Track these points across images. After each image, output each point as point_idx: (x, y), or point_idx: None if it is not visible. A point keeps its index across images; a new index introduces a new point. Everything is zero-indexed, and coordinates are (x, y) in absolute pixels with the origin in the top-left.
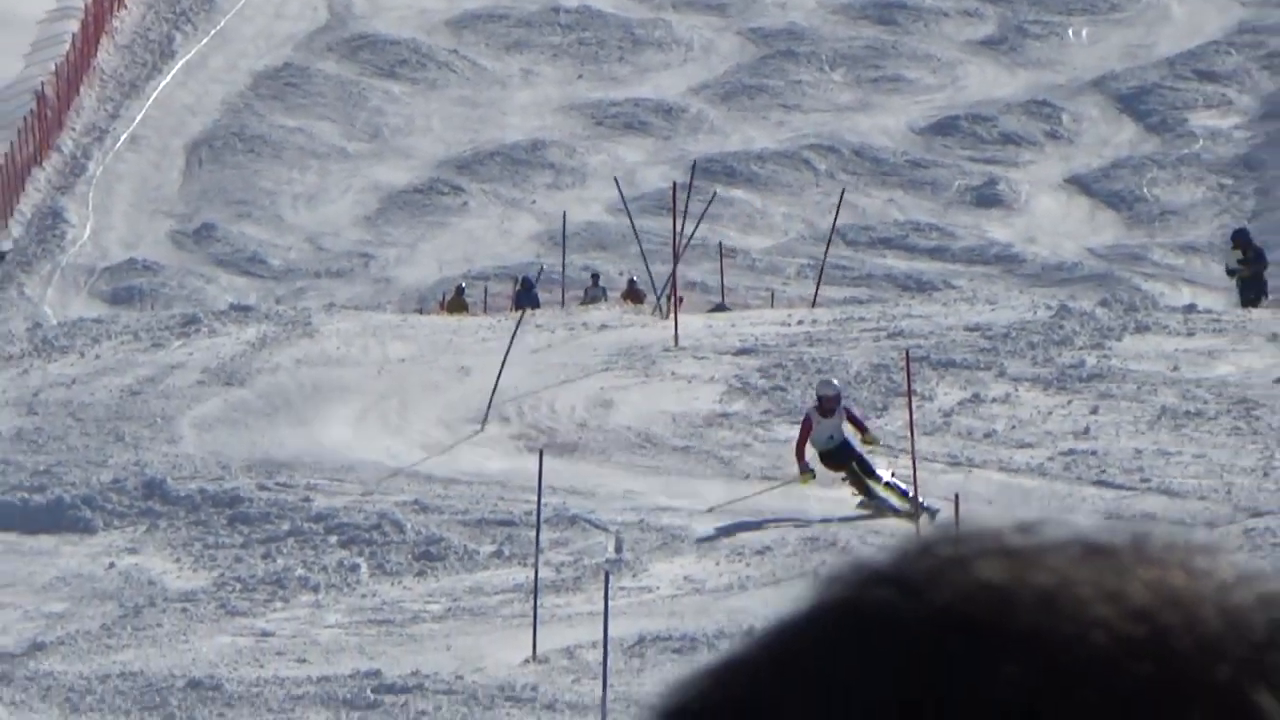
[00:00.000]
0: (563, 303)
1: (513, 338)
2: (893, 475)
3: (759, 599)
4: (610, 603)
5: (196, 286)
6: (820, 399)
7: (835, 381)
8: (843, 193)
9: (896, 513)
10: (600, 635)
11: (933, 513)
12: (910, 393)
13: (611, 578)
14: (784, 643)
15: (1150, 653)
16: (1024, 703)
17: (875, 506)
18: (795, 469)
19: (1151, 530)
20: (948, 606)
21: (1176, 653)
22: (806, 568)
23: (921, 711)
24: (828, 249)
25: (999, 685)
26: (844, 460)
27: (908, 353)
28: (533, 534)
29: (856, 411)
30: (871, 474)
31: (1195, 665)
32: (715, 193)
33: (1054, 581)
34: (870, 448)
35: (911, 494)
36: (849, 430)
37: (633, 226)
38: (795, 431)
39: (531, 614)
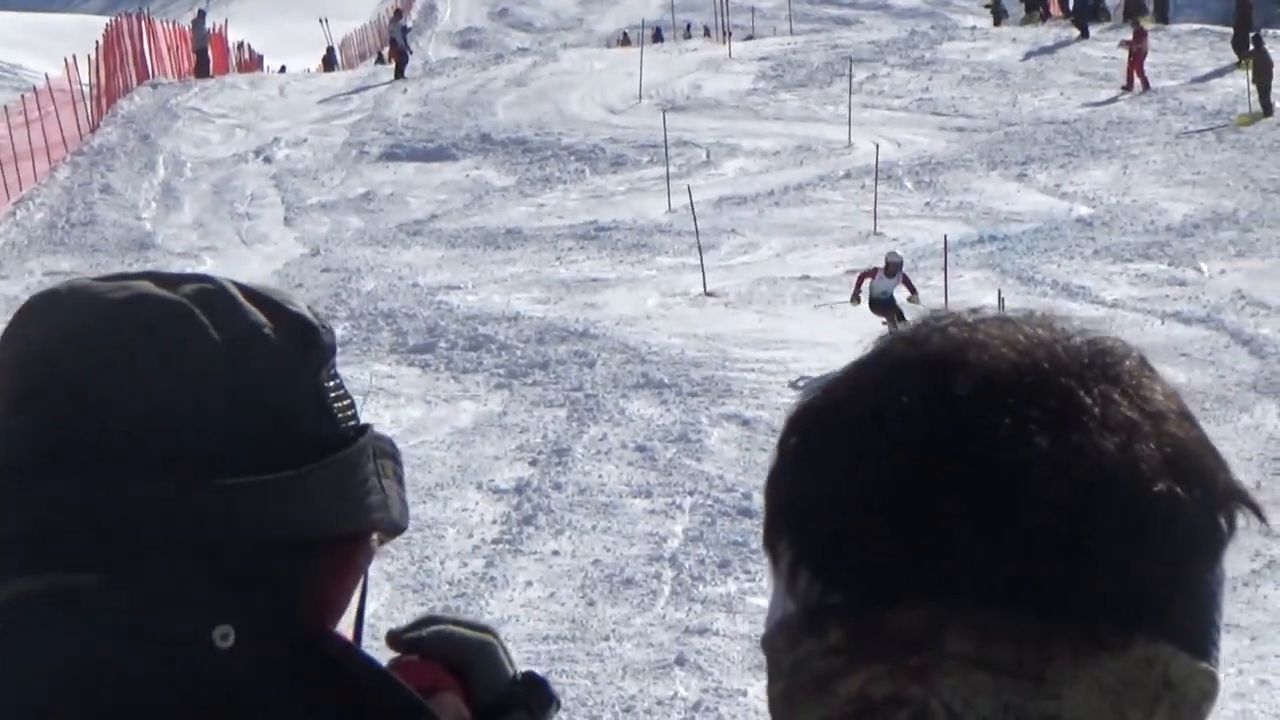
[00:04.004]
0: (675, 39)
1: (641, 56)
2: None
3: (777, 177)
4: (703, 181)
5: (499, 40)
6: (888, 264)
7: (899, 253)
8: None
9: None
10: (700, 198)
11: None
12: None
13: (703, 169)
14: (852, 372)
15: (1028, 370)
16: (972, 403)
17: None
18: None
19: (1035, 310)
20: (933, 351)
21: (1041, 369)
22: (794, 163)
23: (915, 405)
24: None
25: (956, 386)
26: (888, 310)
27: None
28: (665, 149)
29: (913, 281)
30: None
31: (1050, 376)
32: None
33: (984, 337)
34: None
35: None
36: (901, 290)
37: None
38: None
39: (666, 188)
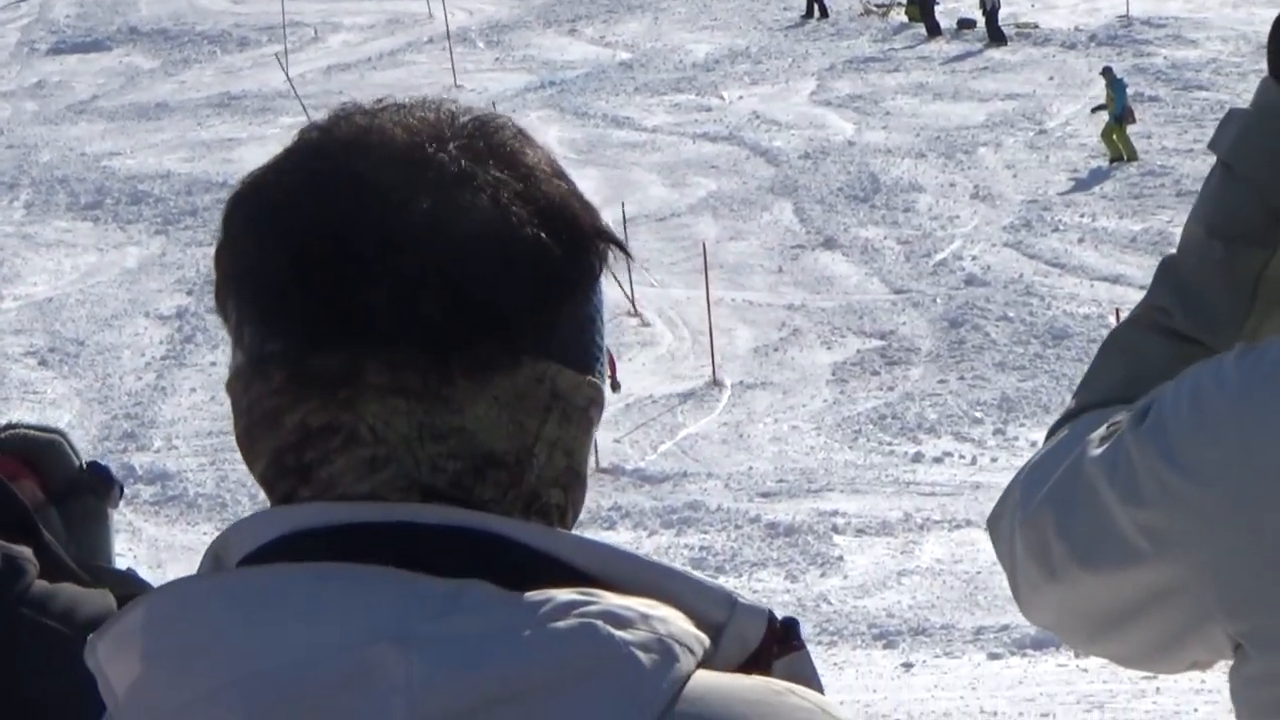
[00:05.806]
0: None
1: None
2: None
3: (373, 46)
4: (314, 54)
5: None
6: None
7: None
8: None
9: None
10: (312, 67)
11: None
12: None
13: (313, 44)
14: (279, 158)
15: (416, 148)
16: (369, 176)
17: None
18: None
19: (430, 97)
20: (341, 136)
21: (426, 146)
22: None
23: (325, 181)
24: None
25: (356, 164)
26: None
27: None
28: (281, 30)
29: None
30: None
31: (433, 151)
32: None
33: (382, 123)
34: None
35: None
36: None
37: None
38: None
39: (283, 61)
